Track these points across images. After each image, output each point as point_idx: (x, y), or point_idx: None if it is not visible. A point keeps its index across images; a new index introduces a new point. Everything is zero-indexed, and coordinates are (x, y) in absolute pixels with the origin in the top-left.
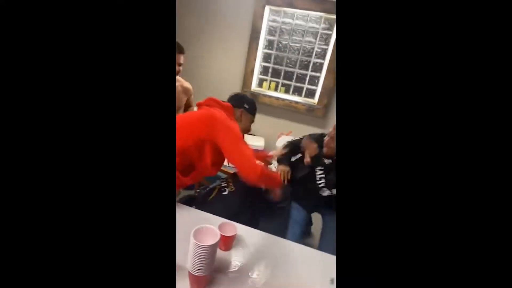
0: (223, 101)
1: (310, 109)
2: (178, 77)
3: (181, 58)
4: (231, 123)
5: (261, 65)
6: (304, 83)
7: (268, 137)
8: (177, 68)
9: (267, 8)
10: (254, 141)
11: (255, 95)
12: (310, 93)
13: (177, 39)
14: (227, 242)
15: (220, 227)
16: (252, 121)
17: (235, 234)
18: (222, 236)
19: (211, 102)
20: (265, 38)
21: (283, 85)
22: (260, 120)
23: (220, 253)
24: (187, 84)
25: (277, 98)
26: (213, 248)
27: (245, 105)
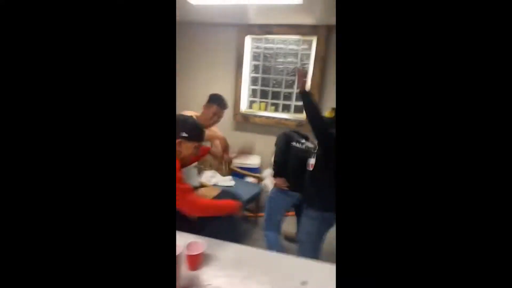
0: None
1: (300, 124)
2: (214, 129)
3: (223, 112)
4: None
5: (249, 88)
6: (291, 101)
7: (263, 155)
8: (217, 119)
9: (248, 37)
10: (251, 160)
11: (247, 116)
12: (298, 109)
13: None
14: (194, 261)
15: (188, 246)
16: (197, 147)
17: (202, 252)
18: (188, 256)
19: None
20: (250, 63)
21: (272, 104)
22: (254, 139)
23: (189, 274)
24: (220, 134)
25: (268, 117)
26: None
27: (182, 133)
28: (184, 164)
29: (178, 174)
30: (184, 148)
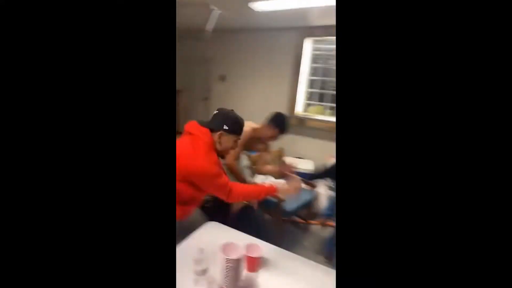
0: (202, 124)
1: None
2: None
3: (278, 136)
4: (203, 169)
5: (306, 90)
6: None
7: (317, 160)
8: (271, 140)
9: (308, 39)
10: (303, 165)
11: (302, 119)
12: None
13: (225, 71)
14: (254, 264)
15: (246, 248)
16: (236, 140)
17: (261, 256)
18: (248, 257)
19: (191, 129)
20: (309, 65)
21: (329, 108)
22: (308, 143)
23: (247, 274)
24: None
25: (324, 121)
26: (237, 262)
27: (224, 126)
28: (221, 157)
29: (218, 168)
30: (224, 140)
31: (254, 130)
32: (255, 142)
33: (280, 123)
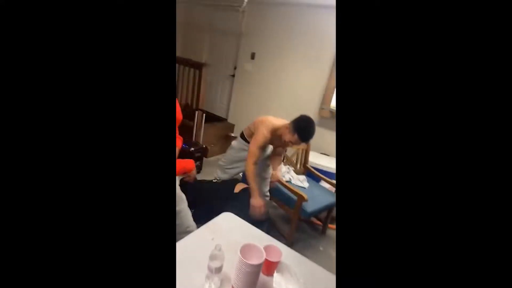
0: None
1: None
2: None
3: (298, 143)
4: None
5: None
6: None
7: None
8: (288, 146)
9: None
10: (327, 162)
11: (334, 112)
12: None
13: (256, 49)
14: (271, 267)
15: (265, 249)
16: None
17: (280, 261)
18: (267, 261)
19: None
20: None
21: None
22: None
23: (262, 277)
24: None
25: None
26: (257, 268)
27: None
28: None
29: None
30: None
31: (274, 129)
32: (276, 140)
33: (302, 130)
